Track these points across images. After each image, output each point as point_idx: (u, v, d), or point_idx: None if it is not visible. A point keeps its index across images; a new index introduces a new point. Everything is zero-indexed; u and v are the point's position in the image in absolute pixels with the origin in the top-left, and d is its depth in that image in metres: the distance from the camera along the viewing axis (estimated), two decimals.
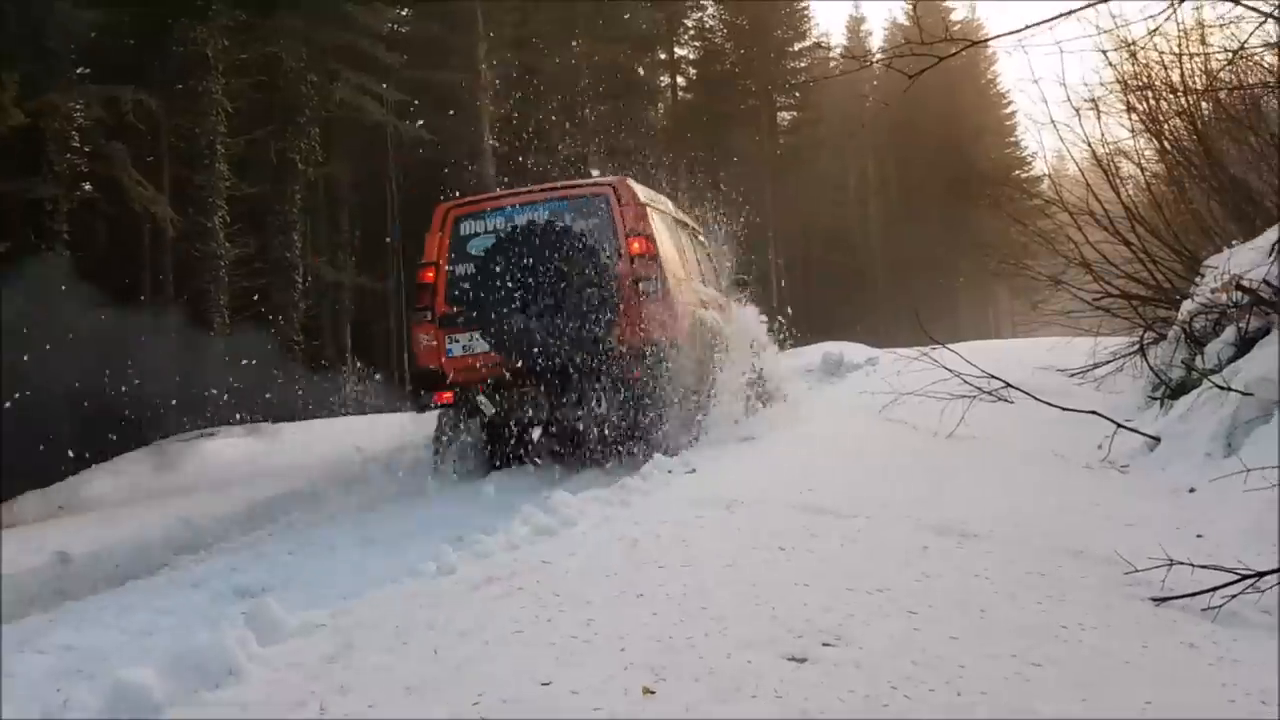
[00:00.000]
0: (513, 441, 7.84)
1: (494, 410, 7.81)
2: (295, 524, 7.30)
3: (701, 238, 10.08)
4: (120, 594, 5.55)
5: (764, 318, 10.09)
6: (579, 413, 7.66)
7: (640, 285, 7.66)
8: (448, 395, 7.94)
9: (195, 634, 3.77)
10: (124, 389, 10.40)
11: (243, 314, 18.52)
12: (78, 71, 16.01)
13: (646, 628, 3.11)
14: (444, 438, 8.15)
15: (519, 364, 7.48)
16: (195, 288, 17.73)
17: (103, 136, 15.42)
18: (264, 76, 17.60)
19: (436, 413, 8.22)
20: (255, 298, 18.56)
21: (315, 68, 18.40)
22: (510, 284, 7.44)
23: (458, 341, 7.88)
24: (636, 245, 7.78)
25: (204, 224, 16.97)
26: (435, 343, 7.95)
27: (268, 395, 12.55)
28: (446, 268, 7.99)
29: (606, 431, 7.61)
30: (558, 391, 7.63)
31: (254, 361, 12.15)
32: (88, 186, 16.27)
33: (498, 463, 8.10)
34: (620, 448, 7.66)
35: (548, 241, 7.44)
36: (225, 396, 12.29)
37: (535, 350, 7.39)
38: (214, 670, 2.99)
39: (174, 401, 12.18)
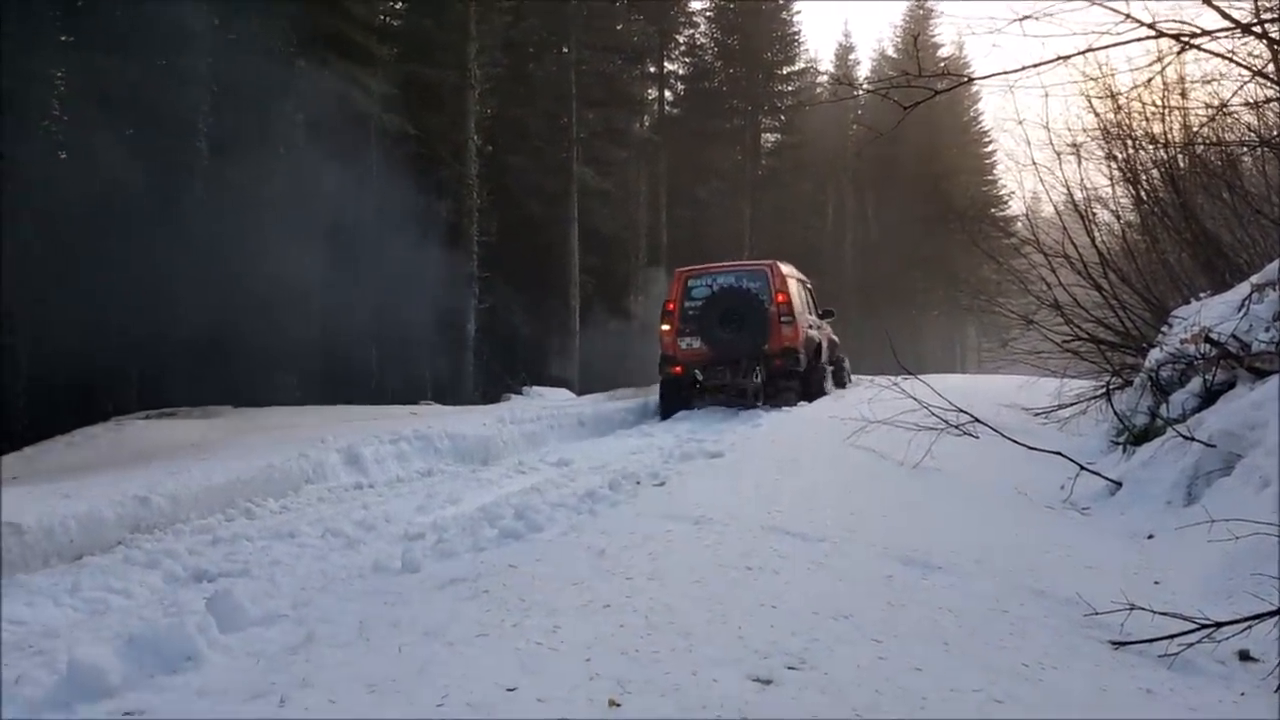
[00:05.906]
0: (703, 394, 13.92)
1: (701, 378, 13.82)
2: (254, 511, 7.23)
3: (810, 287, 16.10)
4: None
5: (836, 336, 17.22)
6: (744, 381, 13.45)
7: (781, 319, 13.61)
8: (679, 369, 13.83)
9: (153, 616, 3.73)
10: None
11: None
12: (60, 39, 15.78)
13: (613, 639, 3.10)
14: (667, 394, 13.99)
15: (718, 355, 13.55)
16: None
17: (81, 105, 15.21)
18: (252, 58, 17.45)
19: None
20: None
21: (305, 53, 18.23)
22: (717, 315, 13.60)
23: (685, 340, 13.78)
24: (780, 298, 13.70)
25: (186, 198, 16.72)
26: (673, 340, 13.85)
27: None
28: (683, 303, 13.90)
29: (757, 392, 13.44)
30: (736, 369, 13.49)
31: None
32: (63, 155, 16.03)
33: (695, 406, 13.79)
34: (763, 401, 13.35)
35: (736, 294, 13.76)
36: None
37: (727, 349, 13.45)
38: (172, 654, 2.95)
39: None
